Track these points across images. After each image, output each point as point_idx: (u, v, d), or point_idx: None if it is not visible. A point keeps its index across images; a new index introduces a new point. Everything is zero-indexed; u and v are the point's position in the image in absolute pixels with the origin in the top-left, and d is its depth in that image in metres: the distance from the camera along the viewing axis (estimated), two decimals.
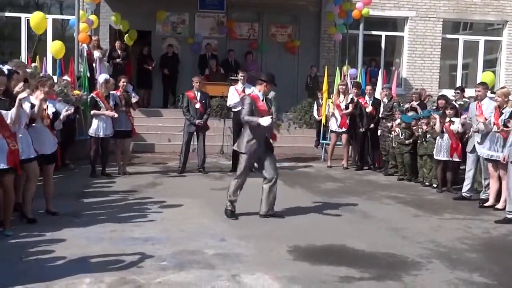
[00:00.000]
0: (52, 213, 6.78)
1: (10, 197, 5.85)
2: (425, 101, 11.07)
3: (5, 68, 6.58)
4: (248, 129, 6.88)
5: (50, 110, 6.80)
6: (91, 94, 9.90)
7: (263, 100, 6.94)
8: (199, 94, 10.29)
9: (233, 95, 10.45)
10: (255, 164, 7.27)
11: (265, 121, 6.75)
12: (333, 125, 11.55)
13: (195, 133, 10.32)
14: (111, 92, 9.67)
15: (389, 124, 10.57)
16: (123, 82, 9.91)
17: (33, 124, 6.37)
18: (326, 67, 13.24)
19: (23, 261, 5.04)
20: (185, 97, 10.46)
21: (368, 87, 11.71)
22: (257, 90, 7.06)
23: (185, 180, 9.64)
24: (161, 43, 15.86)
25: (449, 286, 4.70)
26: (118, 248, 5.49)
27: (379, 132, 10.99)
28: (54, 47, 11.95)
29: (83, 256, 5.19)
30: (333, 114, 11.51)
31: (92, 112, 9.49)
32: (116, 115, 9.46)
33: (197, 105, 10.15)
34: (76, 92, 10.89)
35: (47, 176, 6.84)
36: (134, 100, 10.15)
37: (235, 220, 6.81)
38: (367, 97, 11.36)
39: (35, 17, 11.43)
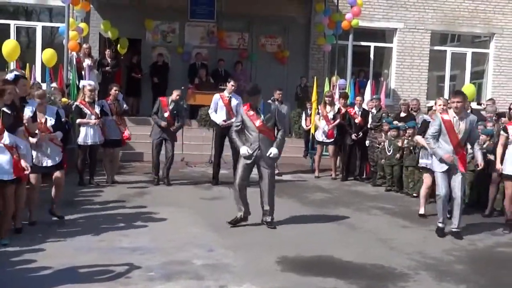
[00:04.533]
0: (58, 217, 6.97)
1: (10, 207, 5.87)
2: (415, 112, 11.00)
3: (12, 75, 6.63)
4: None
5: (49, 123, 6.76)
6: (75, 103, 9.81)
7: (257, 112, 6.99)
8: (172, 104, 9.97)
9: (217, 104, 10.07)
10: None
11: (242, 150, 6.95)
12: (319, 135, 11.58)
13: (164, 141, 9.91)
14: (100, 100, 9.64)
15: (378, 136, 10.63)
16: (115, 90, 9.82)
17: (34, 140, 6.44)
18: (315, 78, 13.29)
19: (9, 271, 4.99)
20: (157, 102, 10.17)
21: (358, 98, 11.78)
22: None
23: (174, 189, 9.61)
24: (151, 51, 15.88)
25: None
26: (106, 258, 5.46)
27: (367, 142, 11.04)
28: (46, 55, 11.89)
29: (70, 266, 5.15)
30: (319, 125, 11.55)
31: (78, 121, 9.43)
32: (97, 122, 9.28)
33: (166, 114, 9.82)
34: (64, 100, 10.83)
35: (58, 183, 7.01)
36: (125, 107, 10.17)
37: (224, 230, 6.80)
38: (356, 108, 11.42)
39: (7, 45, 10.79)
